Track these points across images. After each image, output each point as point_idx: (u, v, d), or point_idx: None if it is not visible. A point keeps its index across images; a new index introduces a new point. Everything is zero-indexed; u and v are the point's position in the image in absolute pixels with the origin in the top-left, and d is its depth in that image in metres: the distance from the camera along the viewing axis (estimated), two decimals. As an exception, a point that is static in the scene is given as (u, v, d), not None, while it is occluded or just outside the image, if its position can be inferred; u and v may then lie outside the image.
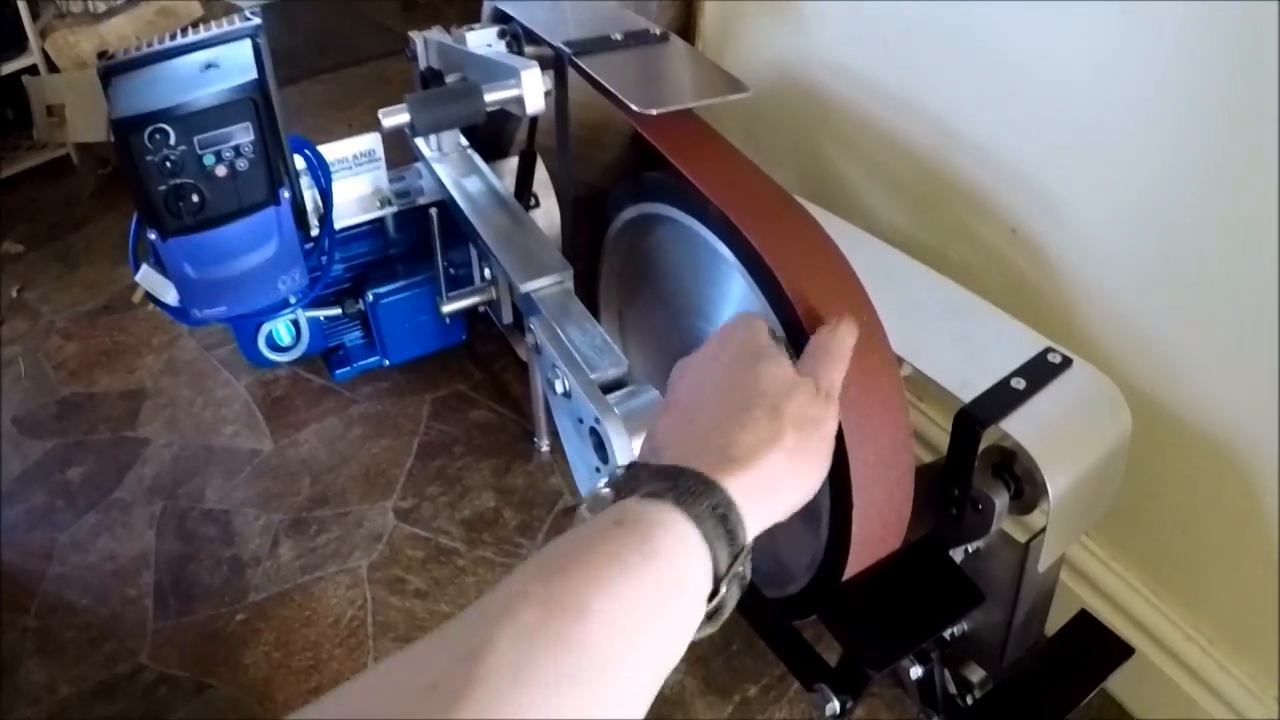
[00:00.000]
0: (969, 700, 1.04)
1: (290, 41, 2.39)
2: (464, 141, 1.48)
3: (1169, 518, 1.12)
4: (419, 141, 1.48)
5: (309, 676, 1.25)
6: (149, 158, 1.17)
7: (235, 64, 1.21)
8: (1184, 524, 1.11)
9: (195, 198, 1.21)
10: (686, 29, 1.67)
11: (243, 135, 1.21)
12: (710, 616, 0.50)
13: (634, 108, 1.00)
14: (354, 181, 1.49)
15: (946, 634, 1.01)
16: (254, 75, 1.19)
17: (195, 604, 1.33)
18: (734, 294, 1.04)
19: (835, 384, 0.63)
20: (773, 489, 0.54)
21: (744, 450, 0.54)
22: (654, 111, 1.01)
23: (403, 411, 1.55)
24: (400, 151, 1.52)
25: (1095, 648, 1.00)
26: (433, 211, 1.35)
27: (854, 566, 0.89)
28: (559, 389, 1.07)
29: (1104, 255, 1.08)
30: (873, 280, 0.86)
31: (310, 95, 2.38)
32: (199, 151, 1.19)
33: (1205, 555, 1.10)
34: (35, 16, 2.23)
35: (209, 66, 1.21)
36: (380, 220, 1.50)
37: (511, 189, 1.41)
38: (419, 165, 1.53)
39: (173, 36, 1.24)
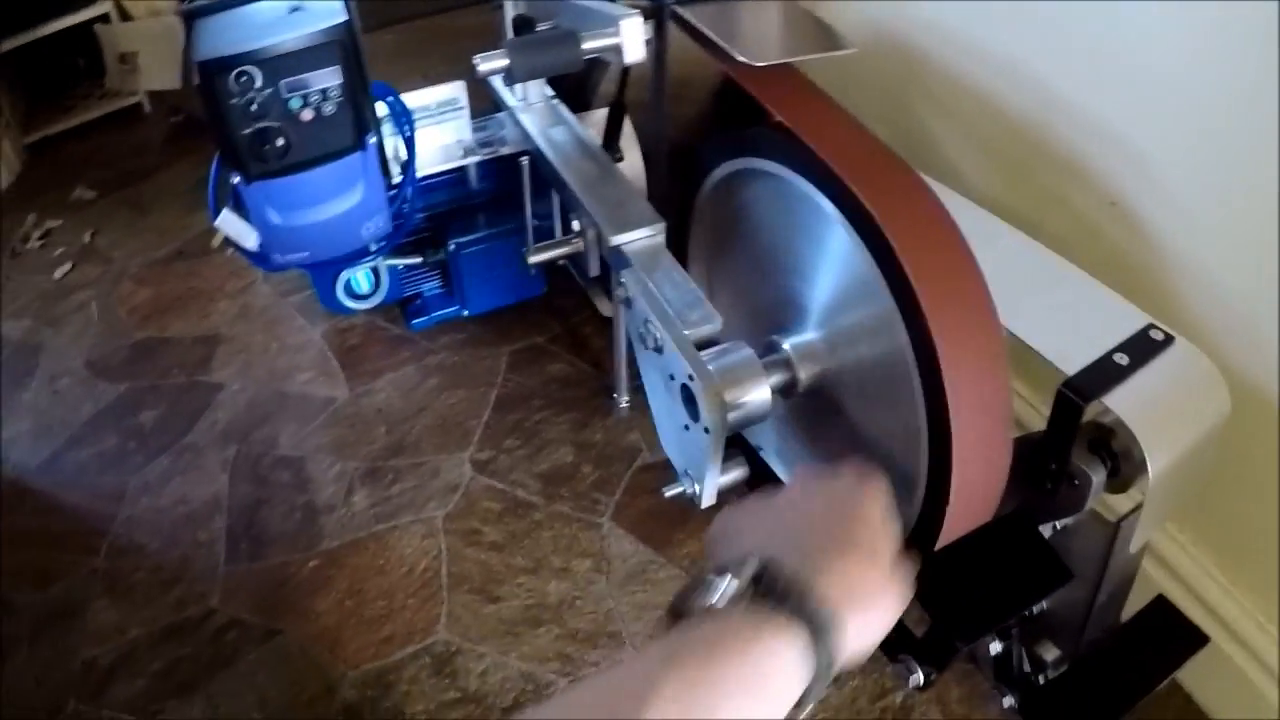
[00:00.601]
0: (1042, 679, 1.03)
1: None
2: (550, 92, 1.45)
3: (1253, 505, 1.09)
4: (504, 91, 1.46)
5: (380, 625, 1.23)
6: (234, 100, 1.15)
7: (322, 6, 1.19)
8: (1268, 512, 1.07)
9: (280, 141, 1.19)
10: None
11: (329, 79, 1.19)
12: None
13: (739, 58, 0.97)
14: (436, 130, 1.47)
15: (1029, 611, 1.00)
16: (342, 18, 1.17)
17: (267, 549, 1.32)
18: (834, 254, 1.01)
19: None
20: (866, 629, 0.58)
21: (864, 593, 0.58)
22: (759, 64, 0.97)
23: (480, 363, 1.53)
24: (484, 101, 1.49)
25: (1171, 635, 1.00)
26: (523, 161, 1.32)
27: (946, 537, 0.87)
28: (649, 344, 1.04)
29: (1205, 232, 1.04)
30: (973, 245, 0.84)
31: (382, 45, 2.34)
32: (285, 95, 1.17)
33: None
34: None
35: (295, 9, 1.19)
36: (462, 169, 1.48)
37: (598, 141, 1.39)
38: (502, 115, 1.51)
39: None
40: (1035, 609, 1.00)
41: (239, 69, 1.14)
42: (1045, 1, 1.13)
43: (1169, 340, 0.89)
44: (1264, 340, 1.01)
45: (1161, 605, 1.01)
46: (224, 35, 1.16)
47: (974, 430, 0.82)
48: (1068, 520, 0.92)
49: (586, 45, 1.10)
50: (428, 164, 1.43)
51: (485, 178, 1.49)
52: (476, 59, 1.11)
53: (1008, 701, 1.02)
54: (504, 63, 1.10)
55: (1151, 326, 0.90)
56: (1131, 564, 0.98)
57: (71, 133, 2.28)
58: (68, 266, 1.87)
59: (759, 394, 0.99)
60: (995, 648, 1.02)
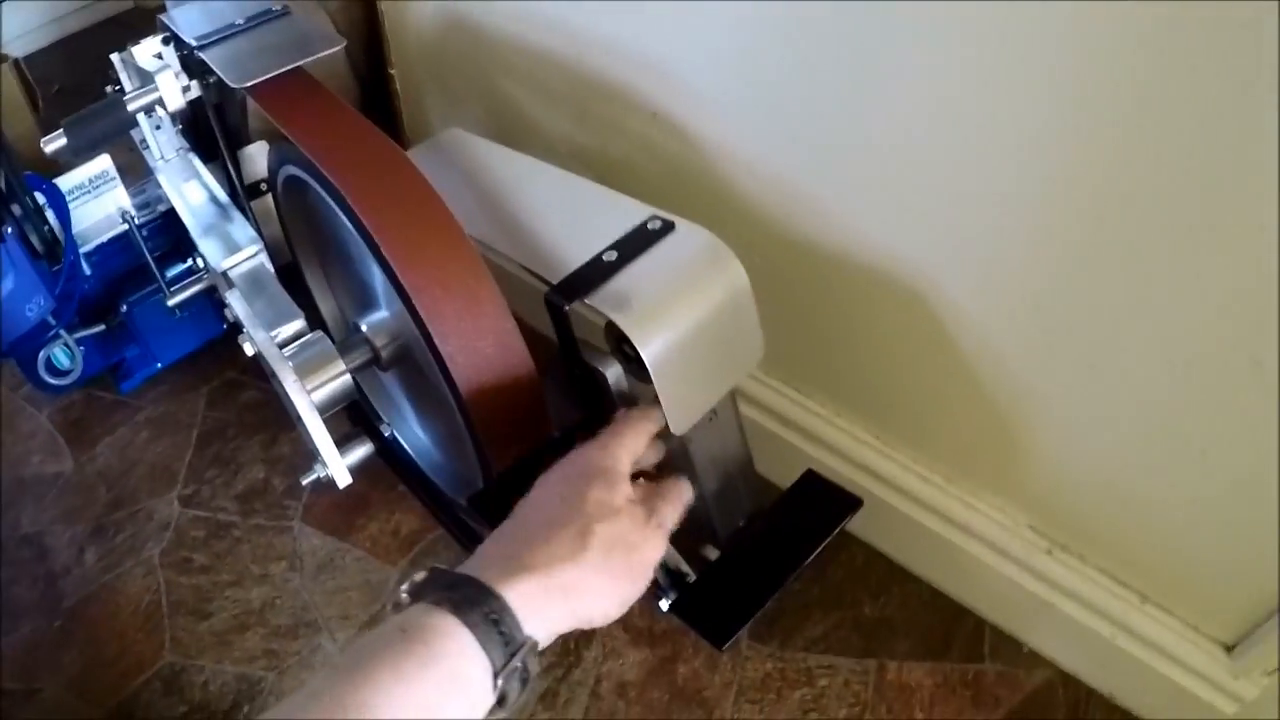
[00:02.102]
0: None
1: (76, 77, 2.44)
2: (184, 144, 1.55)
3: (873, 364, 1.19)
4: (145, 154, 1.56)
5: (117, 663, 1.37)
6: None
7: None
8: (888, 367, 1.18)
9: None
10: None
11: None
12: (500, 702, 0.59)
13: (229, 83, 1.09)
14: (97, 203, 1.57)
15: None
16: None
17: (20, 621, 1.44)
18: (345, 231, 1.09)
19: (667, 519, 0.75)
20: (565, 597, 0.63)
21: (536, 561, 0.63)
22: (249, 83, 1.08)
23: (183, 408, 1.66)
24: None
25: (822, 503, 1.01)
26: (159, 216, 1.42)
27: (502, 459, 0.95)
28: (250, 353, 1.16)
29: (734, 123, 1.14)
30: (501, 192, 0.97)
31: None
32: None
33: (922, 395, 1.17)
34: None
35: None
36: (126, 233, 1.58)
37: (219, 185, 1.49)
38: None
39: None
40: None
41: None
42: None
43: (669, 227, 0.92)
44: (811, 198, 1.11)
45: (809, 478, 1.02)
46: None
47: (470, 354, 0.89)
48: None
49: (132, 105, 1.21)
50: (94, 236, 1.53)
51: (150, 235, 1.59)
52: (42, 141, 1.22)
53: (664, 604, 1.00)
54: (63, 141, 1.21)
55: (652, 218, 0.93)
56: (724, 447, 1.01)
57: None
58: None
59: (336, 374, 1.11)
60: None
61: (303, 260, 1.41)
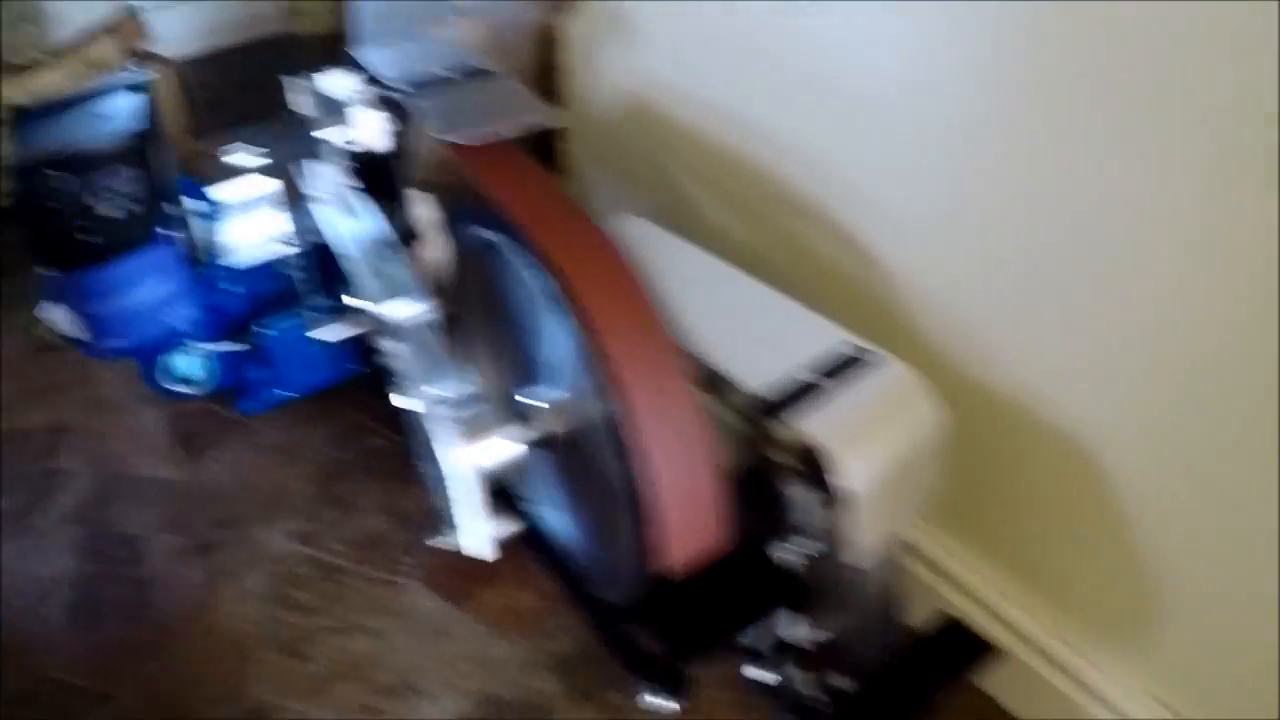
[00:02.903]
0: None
1: (223, 91, 2.48)
2: (346, 181, 1.56)
3: (1028, 515, 1.18)
4: (303, 183, 1.57)
5: (201, 687, 1.34)
6: (45, 198, 1.27)
7: (126, 113, 1.31)
8: (1040, 521, 1.17)
9: (87, 236, 1.31)
10: (550, 59, 1.76)
11: (132, 178, 1.30)
12: None
13: (436, 136, 1.10)
14: (254, 220, 1.59)
15: (802, 643, 1.02)
16: (142, 124, 1.29)
17: (105, 621, 1.42)
18: (542, 309, 1.09)
19: None
20: None
21: None
22: (464, 141, 1.09)
23: (304, 441, 1.65)
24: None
25: (956, 647, 1.02)
26: (310, 246, 1.43)
27: (670, 561, 0.92)
28: (409, 406, 1.15)
29: (927, 254, 1.14)
30: (685, 288, 0.94)
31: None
32: (92, 191, 1.28)
33: (1070, 553, 1.15)
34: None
35: (101, 115, 1.32)
36: (279, 257, 1.59)
37: (387, 227, 1.50)
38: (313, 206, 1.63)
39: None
40: (809, 640, 1.02)
41: (47, 168, 1.26)
42: (760, 51, 1.25)
43: (868, 356, 0.93)
44: (990, 346, 1.10)
45: (944, 621, 1.04)
46: (38, 137, 1.28)
47: (664, 467, 0.87)
48: (809, 543, 0.94)
49: (321, 135, 1.22)
50: (246, 254, 1.54)
51: (301, 265, 1.61)
52: (220, 150, 1.24)
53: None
54: (241, 154, 1.23)
55: (848, 343, 0.94)
56: (883, 582, 1.02)
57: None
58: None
59: (503, 448, 1.09)
60: (771, 678, 1.06)
61: (465, 326, 1.41)
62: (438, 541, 1.14)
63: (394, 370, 1.21)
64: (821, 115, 1.20)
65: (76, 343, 1.43)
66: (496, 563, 1.40)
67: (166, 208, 1.35)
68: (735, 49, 1.31)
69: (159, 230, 1.35)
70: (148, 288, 1.39)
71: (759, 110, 1.29)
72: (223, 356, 1.61)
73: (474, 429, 1.09)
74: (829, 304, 1.06)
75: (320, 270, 1.59)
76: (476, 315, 1.39)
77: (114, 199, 1.30)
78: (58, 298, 1.40)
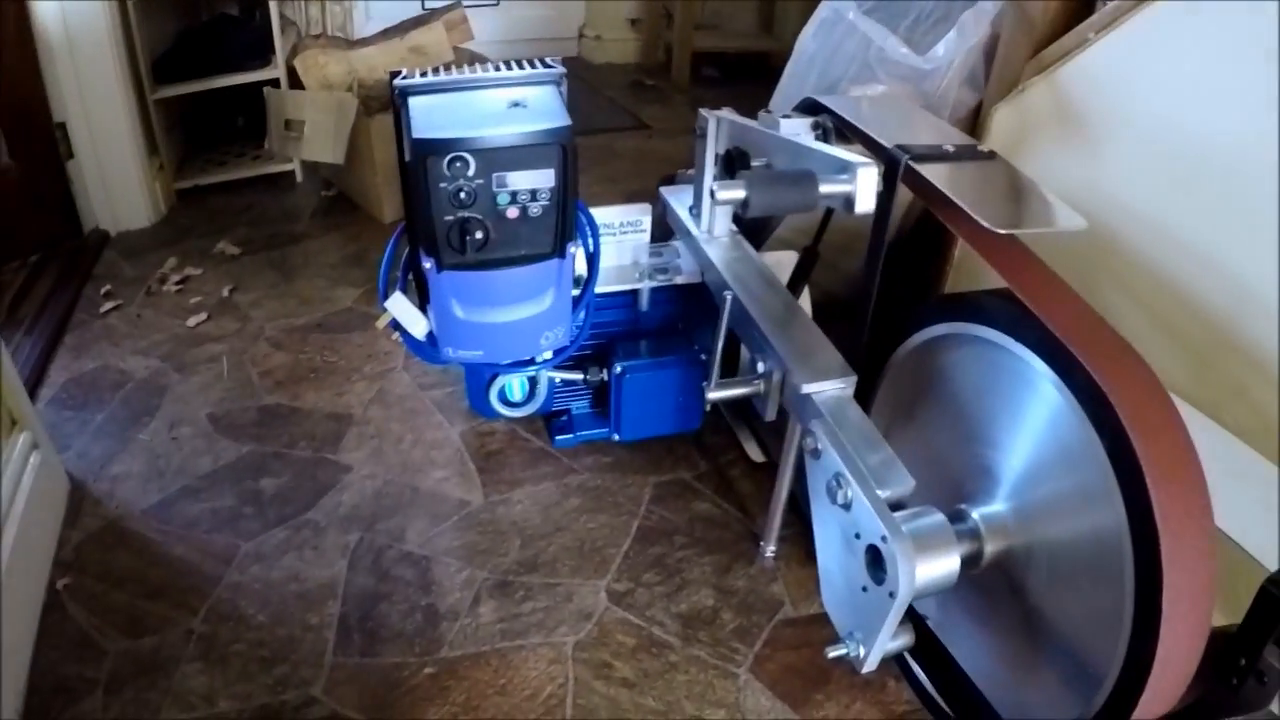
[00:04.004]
0: None
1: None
2: (734, 227, 1.44)
3: None
4: (688, 220, 1.45)
5: (496, 750, 1.17)
6: (442, 185, 1.15)
7: (544, 107, 1.19)
8: None
9: (480, 234, 1.18)
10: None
11: (542, 180, 1.18)
12: None
13: (984, 224, 0.96)
14: (616, 249, 1.47)
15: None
16: (566, 121, 1.18)
17: (381, 646, 1.25)
18: (1045, 425, 0.99)
19: None
20: None
21: None
22: (1002, 231, 0.97)
23: (624, 490, 1.49)
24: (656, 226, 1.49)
25: None
26: (726, 295, 1.28)
27: (1140, 713, 0.85)
28: (838, 499, 1.01)
29: None
30: None
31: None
32: (495, 189, 1.16)
33: None
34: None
35: (517, 104, 1.19)
36: (635, 292, 1.47)
37: (783, 282, 1.37)
38: (677, 244, 1.50)
39: (441, 70, 1.24)
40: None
41: (455, 154, 1.14)
42: (1240, 185, 1.13)
43: None
44: None
45: None
46: (443, 118, 1.16)
47: (1184, 621, 0.81)
48: (1252, 717, 0.88)
49: (824, 189, 1.09)
50: (603, 282, 1.42)
51: (656, 304, 1.48)
52: (715, 185, 1.11)
53: None
54: (740, 194, 1.09)
55: None
56: None
57: (221, 187, 2.31)
58: (203, 316, 1.87)
59: (948, 563, 0.97)
60: None
61: (873, 413, 1.28)
62: (834, 651, 0.99)
63: (815, 452, 1.06)
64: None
65: (412, 342, 1.30)
66: (839, 669, 1.24)
67: (569, 218, 1.22)
68: (1212, 175, 1.18)
69: (557, 242, 1.22)
70: (531, 303, 1.26)
71: (1229, 250, 1.16)
72: (557, 384, 1.48)
73: (922, 538, 0.95)
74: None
75: (681, 314, 1.46)
76: (893, 406, 1.25)
77: (517, 198, 1.18)
78: (421, 292, 1.27)
